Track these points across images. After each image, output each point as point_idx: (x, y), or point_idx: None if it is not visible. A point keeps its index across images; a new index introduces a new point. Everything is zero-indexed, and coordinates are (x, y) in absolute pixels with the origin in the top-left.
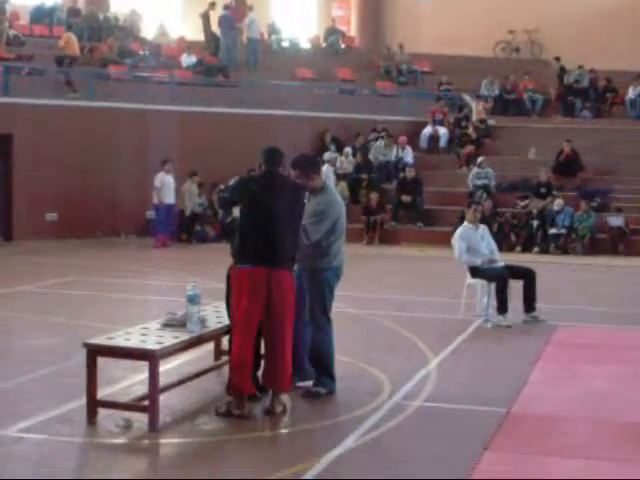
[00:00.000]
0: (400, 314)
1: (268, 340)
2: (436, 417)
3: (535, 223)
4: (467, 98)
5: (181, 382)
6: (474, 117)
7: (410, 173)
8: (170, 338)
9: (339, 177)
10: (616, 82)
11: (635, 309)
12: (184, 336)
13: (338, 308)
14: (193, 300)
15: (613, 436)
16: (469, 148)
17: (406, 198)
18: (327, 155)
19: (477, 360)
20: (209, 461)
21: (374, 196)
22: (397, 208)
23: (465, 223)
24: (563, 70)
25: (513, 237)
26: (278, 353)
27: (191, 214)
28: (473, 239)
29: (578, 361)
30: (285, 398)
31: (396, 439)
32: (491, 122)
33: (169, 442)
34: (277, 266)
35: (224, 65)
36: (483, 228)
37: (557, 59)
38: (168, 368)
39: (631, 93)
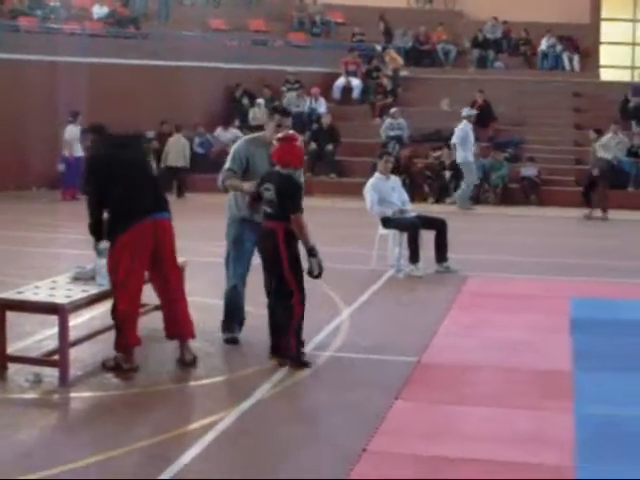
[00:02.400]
0: None
1: (162, 291)
2: (347, 367)
3: (448, 174)
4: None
5: (91, 336)
6: (389, 67)
7: (326, 120)
8: (79, 292)
9: (251, 129)
10: (531, 34)
11: (546, 259)
12: (93, 289)
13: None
14: (102, 253)
15: (524, 385)
16: (383, 99)
17: (326, 147)
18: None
19: (389, 310)
20: (119, 415)
21: None
22: (314, 159)
23: (376, 174)
24: None
25: (426, 188)
26: (174, 301)
27: None
28: (384, 190)
29: (489, 311)
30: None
31: (307, 389)
32: (404, 73)
33: (79, 396)
34: (157, 214)
35: (136, 16)
36: (394, 179)
37: None
38: (78, 322)
39: (543, 45)
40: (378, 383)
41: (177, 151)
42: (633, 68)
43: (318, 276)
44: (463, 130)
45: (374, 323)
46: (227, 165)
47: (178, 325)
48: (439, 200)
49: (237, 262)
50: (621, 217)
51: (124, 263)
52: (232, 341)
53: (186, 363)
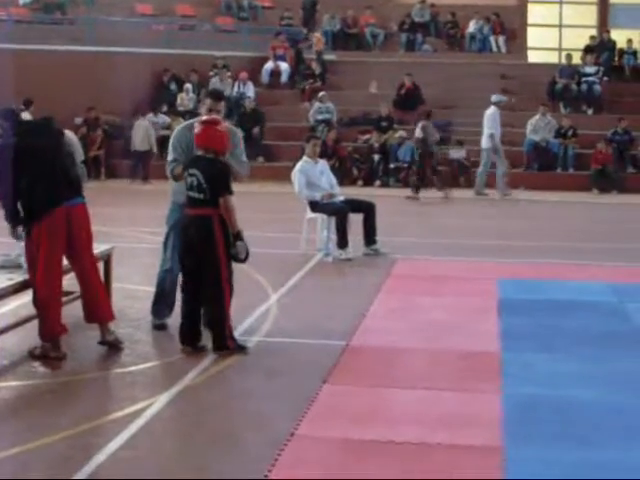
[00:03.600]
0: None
1: (79, 276)
2: (276, 352)
3: (376, 157)
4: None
5: (18, 324)
6: (313, 49)
7: (250, 105)
8: (4, 280)
9: (179, 114)
10: (458, 17)
11: (474, 241)
12: (19, 277)
13: None
14: (22, 238)
15: (452, 366)
16: (312, 83)
17: (252, 131)
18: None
19: (317, 294)
20: (45, 404)
21: None
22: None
23: (304, 157)
24: None
25: (355, 171)
26: (90, 285)
27: None
28: (312, 173)
29: (418, 293)
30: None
31: (235, 375)
32: (331, 57)
33: (5, 385)
34: (71, 200)
35: (62, 2)
36: (322, 163)
37: None
38: (4, 310)
39: (471, 27)
40: (307, 367)
41: (141, 136)
42: (560, 50)
43: (244, 260)
44: (492, 116)
45: (303, 307)
46: (170, 156)
47: (96, 309)
48: (367, 183)
49: (174, 247)
50: (549, 198)
51: (41, 251)
52: (161, 327)
53: (108, 343)
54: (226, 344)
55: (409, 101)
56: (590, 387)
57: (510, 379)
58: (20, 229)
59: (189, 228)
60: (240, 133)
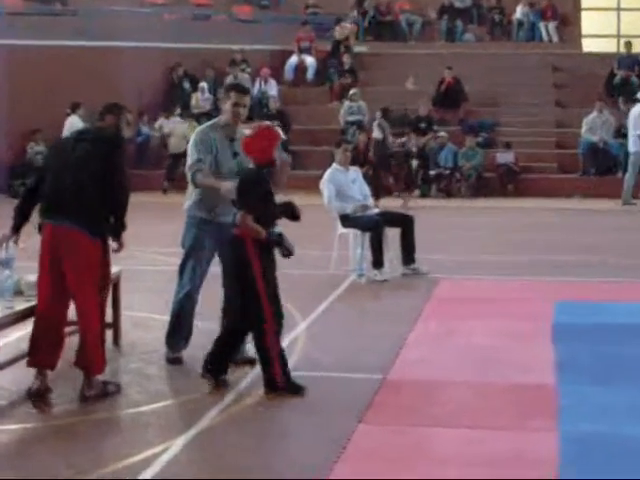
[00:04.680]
0: None
1: (76, 310)
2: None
3: (415, 163)
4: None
5: (18, 359)
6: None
7: (274, 105)
8: (2, 308)
9: (194, 116)
10: (504, 1)
11: (526, 257)
12: (19, 305)
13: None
14: (6, 264)
15: (499, 400)
16: (342, 79)
17: None
18: None
19: (351, 321)
20: (48, 450)
21: None
22: None
23: (334, 165)
24: None
25: (391, 179)
26: (83, 326)
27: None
28: (343, 183)
29: (463, 318)
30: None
31: (261, 414)
32: (362, 49)
33: (3, 429)
34: (60, 220)
35: None
36: (355, 170)
37: None
38: (4, 342)
39: (519, 13)
40: (340, 405)
41: (178, 136)
42: (619, 37)
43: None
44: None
45: (334, 336)
46: (194, 157)
47: (84, 356)
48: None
49: (194, 270)
50: (613, 207)
51: (38, 265)
52: (176, 361)
53: (83, 398)
54: (274, 383)
55: (450, 98)
56: None
57: (567, 415)
58: (9, 252)
59: (224, 250)
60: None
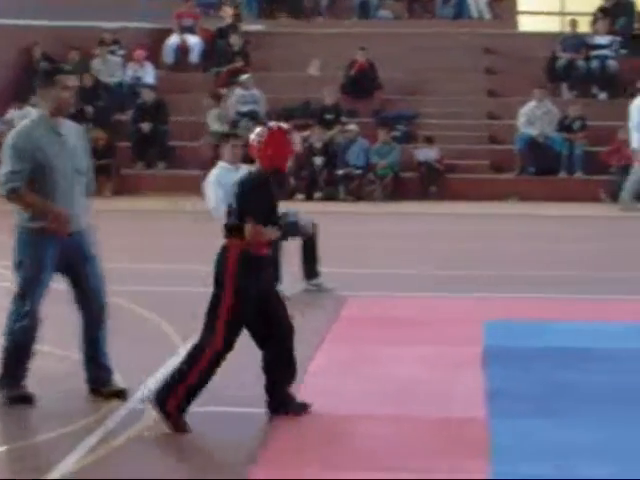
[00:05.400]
0: (139, 289)
1: None
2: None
3: (319, 160)
4: None
5: None
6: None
7: (149, 96)
8: None
9: None
10: None
11: (451, 271)
12: None
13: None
14: None
15: (423, 438)
16: (231, 63)
17: (145, 127)
18: None
19: (242, 345)
20: None
21: (99, 134)
22: (138, 146)
23: (221, 163)
24: None
25: (292, 180)
26: None
27: None
28: (232, 184)
29: (375, 343)
30: None
31: (132, 456)
32: (257, 27)
33: None
34: None
35: None
36: (247, 169)
37: None
38: None
39: None
40: (229, 445)
41: None
42: (563, 15)
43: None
44: None
45: (223, 363)
46: (6, 168)
47: None
48: (309, 196)
49: (36, 289)
50: (551, 212)
51: None
52: (24, 400)
53: None
54: (163, 405)
55: (362, 85)
56: (607, 463)
57: (501, 454)
58: None
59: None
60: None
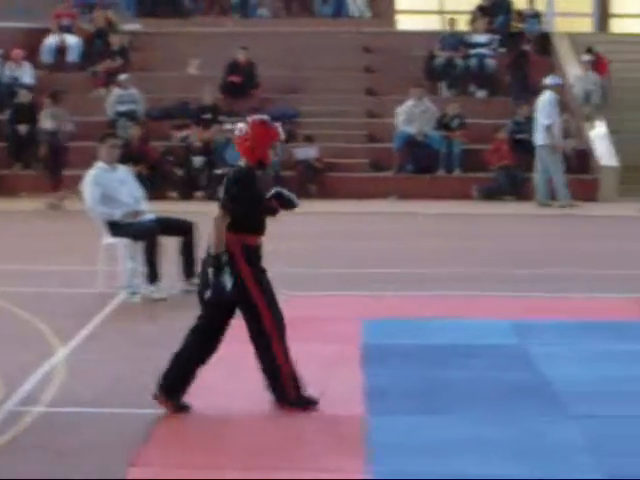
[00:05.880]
0: (14, 290)
1: None
2: (64, 427)
3: (198, 160)
4: None
5: None
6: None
7: (25, 97)
8: None
9: None
10: None
11: (329, 269)
12: None
13: None
14: None
15: (300, 437)
16: (109, 62)
17: (22, 129)
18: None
19: (121, 347)
20: None
21: None
22: (15, 147)
23: (98, 163)
24: None
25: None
26: None
27: None
28: (110, 184)
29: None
30: None
31: (9, 461)
32: (135, 27)
33: None
34: None
35: None
36: (124, 170)
37: None
38: None
39: None
40: (107, 446)
41: None
42: (442, 13)
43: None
44: (549, 104)
45: (101, 365)
46: None
47: None
48: (187, 195)
49: None
50: (429, 210)
51: None
52: None
53: None
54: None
55: (241, 85)
56: (487, 458)
57: (379, 452)
58: None
59: None
60: None
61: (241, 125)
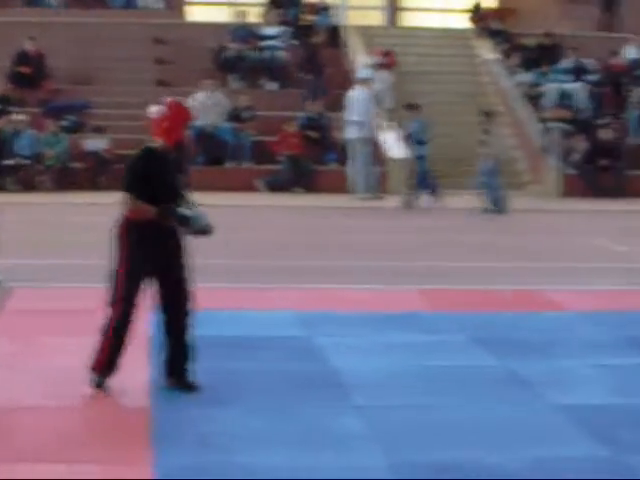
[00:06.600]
0: None
1: None
2: None
3: None
4: None
5: None
6: None
7: None
8: None
9: None
10: None
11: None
12: None
13: None
14: None
15: (83, 430)
16: None
17: None
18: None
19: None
20: None
21: None
22: None
23: None
24: None
25: None
26: None
27: None
28: None
29: (40, 333)
30: None
31: None
32: None
33: None
34: None
35: None
36: None
37: None
38: None
39: None
40: None
41: None
42: (231, 5)
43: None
44: (363, 99)
45: None
46: None
47: None
48: None
49: None
50: (221, 202)
51: None
52: None
53: None
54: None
55: (31, 75)
56: (274, 448)
57: (164, 444)
58: None
59: None
60: None
61: (155, 107)
